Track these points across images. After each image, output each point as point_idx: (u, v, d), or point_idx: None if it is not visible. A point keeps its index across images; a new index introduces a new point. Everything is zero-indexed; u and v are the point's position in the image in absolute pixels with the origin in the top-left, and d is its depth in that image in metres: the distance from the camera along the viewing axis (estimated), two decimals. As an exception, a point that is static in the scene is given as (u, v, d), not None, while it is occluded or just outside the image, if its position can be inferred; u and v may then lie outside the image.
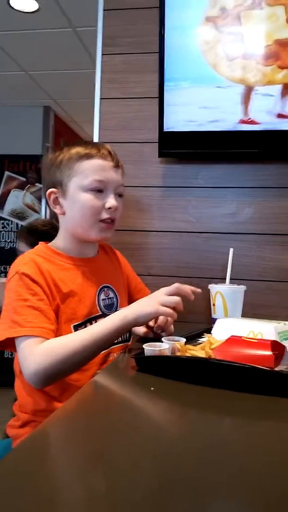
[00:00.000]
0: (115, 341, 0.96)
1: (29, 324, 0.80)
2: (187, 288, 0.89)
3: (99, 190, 0.92)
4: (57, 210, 0.96)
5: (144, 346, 0.74)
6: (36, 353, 0.78)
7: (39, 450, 0.44)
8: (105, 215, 0.93)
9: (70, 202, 0.94)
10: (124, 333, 0.91)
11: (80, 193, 0.92)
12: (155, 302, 0.83)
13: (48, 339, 0.80)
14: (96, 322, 0.88)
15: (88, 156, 0.93)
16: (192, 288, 0.90)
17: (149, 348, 0.73)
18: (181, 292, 0.87)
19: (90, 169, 0.92)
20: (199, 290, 0.92)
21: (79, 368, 0.83)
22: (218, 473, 0.40)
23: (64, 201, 0.95)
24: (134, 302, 0.88)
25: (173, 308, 0.83)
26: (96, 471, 0.40)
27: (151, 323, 0.94)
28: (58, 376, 0.81)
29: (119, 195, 0.97)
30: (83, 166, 0.93)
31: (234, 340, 0.71)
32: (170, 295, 0.85)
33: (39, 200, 3.74)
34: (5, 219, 3.84)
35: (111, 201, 0.93)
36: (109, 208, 0.93)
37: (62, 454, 0.45)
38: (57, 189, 0.95)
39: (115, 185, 0.95)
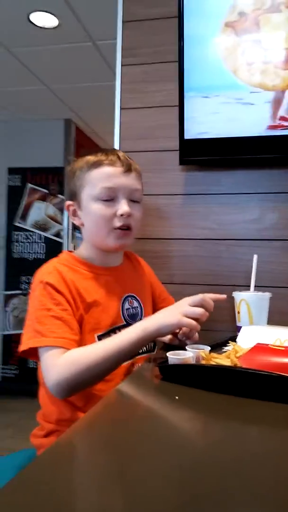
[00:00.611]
0: (140, 351, 0.95)
1: (52, 334, 0.80)
2: (211, 301, 0.85)
3: (109, 198, 0.91)
4: (76, 221, 0.97)
5: (168, 354, 0.73)
6: (58, 364, 0.78)
7: (62, 460, 0.44)
8: (118, 223, 0.92)
9: (85, 213, 0.95)
10: (146, 344, 0.90)
11: (91, 203, 0.92)
12: (177, 312, 0.81)
13: (70, 349, 0.80)
14: (120, 332, 0.88)
15: (96, 165, 0.92)
16: (216, 295, 0.88)
17: (173, 357, 0.72)
18: (205, 304, 0.83)
19: (98, 178, 0.92)
20: (223, 296, 0.89)
21: (101, 379, 0.82)
22: (245, 488, 0.38)
23: (80, 212, 0.96)
24: (157, 312, 0.86)
25: (196, 320, 0.81)
26: (117, 482, 0.39)
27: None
28: (80, 387, 0.80)
29: (135, 201, 0.95)
30: (92, 176, 0.93)
31: (260, 348, 0.69)
32: (194, 305, 0.82)
33: (61, 211, 3.79)
34: (28, 231, 3.90)
35: (123, 208, 0.91)
36: (121, 215, 0.91)
37: (85, 464, 0.44)
38: (74, 201, 0.96)
39: (127, 191, 0.93)
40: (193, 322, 0.80)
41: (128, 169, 0.94)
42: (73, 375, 0.77)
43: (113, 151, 0.97)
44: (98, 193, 0.91)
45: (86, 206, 0.93)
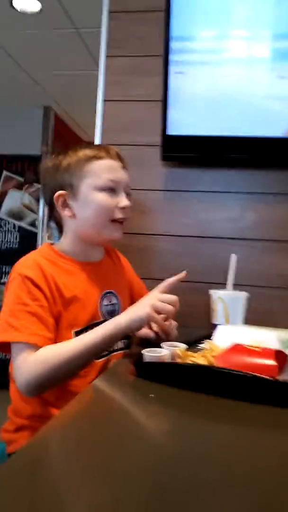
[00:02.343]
0: (115, 348, 0.94)
1: (27, 330, 0.79)
2: (177, 301, 0.85)
3: (112, 189, 0.93)
4: (66, 212, 0.94)
5: (143, 351, 0.73)
6: (29, 362, 0.78)
7: (36, 460, 0.43)
8: (119, 215, 0.93)
9: (82, 203, 0.93)
10: (119, 339, 0.90)
11: (94, 193, 0.92)
12: (147, 305, 0.81)
13: (43, 346, 0.79)
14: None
15: (98, 157, 0.93)
16: (178, 276, 0.89)
17: (149, 354, 0.72)
18: (174, 303, 0.83)
19: (103, 169, 0.93)
20: (183, 273, 0.90)
21: (72, 376, 0.82)
22: (217, 483, 0.39)
23: (74, 203, 0.94)
24: (128, 308, 0.86)
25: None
26: (93, 480, 0.38)
27: (154, 328, 0.92)
28: (51, 385, 0.81)
29: (128, 195, 0.97)
30: (95, 167, 0.92)
31: (237, 348, 0.70)
32: (164, 292, 0.84)
33: (37, 200, 3.72)
34: (2, 219, 3.81)
35: (124, 200, 0.94)
36: (122, 207, 0.93)
37: (59, 464, 0.43)
38: (67, 192, 0.93)
39: (125, 185, 0.96)
40: (162, 322, 0.82)
41: (124, 165, 0.97)
42: (43, 374, 0.77)
43: (109, 147, 0.98)
44: (103, 183, 0.92)
45: (86, 196, 0.92)
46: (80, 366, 0.81)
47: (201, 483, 0.39)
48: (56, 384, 0.81)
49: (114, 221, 0.94)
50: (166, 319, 0.88)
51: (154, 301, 0.82)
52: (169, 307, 0.81)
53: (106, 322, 0.83)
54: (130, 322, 0.81)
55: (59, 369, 0.78)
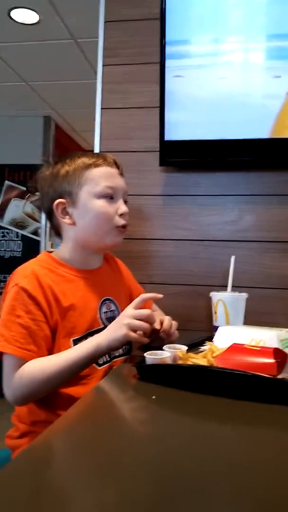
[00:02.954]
0: (117, 354, 0.95)
1: (16, 343, 0.81)
2: (153, 316, 0.84)
3: (110, 196, 0.94)
4: (66, 220, 0.94)
5: (145, 354, 0.74)
6: (14, 376, 0.81)
7: (38, 462, 0.43)
8: (120, 221, 0.95)
9: (82, 210, 0.94)
10: (100, 357, 0.89)
11: (93, 200, 0.93)
12: (123, 326, 0.81)
13: (30, 361, 0.81)
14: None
15: (96, 165, 0.94)
16: (154, 295, 0.88)
17: (151, 357, 0.73)
18: (149, 320, 0.83)
19: (101, 176, 0.94)
20: (159, 296, 0.88)
21: (55, 390, 0.84)
22: (220, 483, 0.39)
23: (74, 210, 0.94)
24: (107, 328, 0.85)
25: (146, 320, 0.82)
26: (95, 482, 0.39)
27: (157, 326, 0.90)
28: (35, 398, 0.84)
29: (125, 202, 0.98)
30: (93, 174, 0.94)
31: (236, 348, 0.71)
32: (137, 308, 0.83)
33: (39, 209, 3.74)
34: (5, 228, 3.84)
35: (123, 207, 0.95)
36: (121, 214, 0.95)
37: (62, 466, 0.44)
38: (66, 200, 0.94)
39: (123, 192, 0.97)
40: (140, 338, 0.83)
41: (121, 172, 0.99)
42: (28, 391, 0.81)
43: (106, 154, 0.99)
44: (101, 190, 0.93)
45: (85, 203, 0.93)
46: (62, 383, 0.83)
47: (205, 484, 0.39)
48: (40, 397, 0.84)
49: (117, 227, 0.95)
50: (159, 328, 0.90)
51: (129, 320, 0.82)
52: (145, 325, 0.82)
53: (87, 343, 0.84)
54: (111, 342, 0.82)
55: (42, 386, 0.81)
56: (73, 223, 0.95)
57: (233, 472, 0.41)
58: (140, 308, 0.84)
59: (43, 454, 0.46)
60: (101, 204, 0.93)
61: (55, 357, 0.84)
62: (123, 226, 0.96)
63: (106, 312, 0.97)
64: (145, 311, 0.83)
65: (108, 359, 0.93)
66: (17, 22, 2.44)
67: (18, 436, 0.90)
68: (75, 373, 0.84)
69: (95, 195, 0.93)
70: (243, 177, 1.35)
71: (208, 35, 1.30)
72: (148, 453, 0.46)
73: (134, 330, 0.82)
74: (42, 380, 0.80)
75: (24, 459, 0.44)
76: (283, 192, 1.32)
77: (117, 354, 0.96)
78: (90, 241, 0.96)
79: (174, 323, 0.95)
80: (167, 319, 0.93)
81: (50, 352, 0.85)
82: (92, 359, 0.84)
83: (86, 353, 0.82)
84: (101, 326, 0.93)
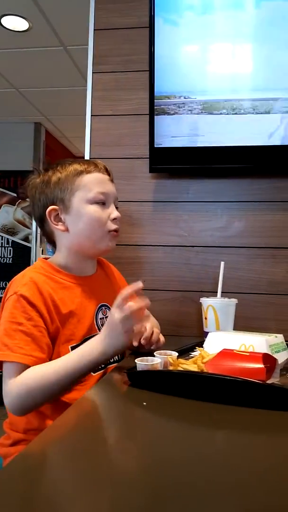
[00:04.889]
0: (111, 361, 0.95)
1: (20, 350, 0.80)
2: (135, 306, 0.80)
3: (102, 202, 0.95)
4: (59, 227, 0.94)
5: (136, 360, 0.74)
6: (15, 383, 0.78)
7: (29, 469, 0.43)
8: (112, 226, 0.96)
9: (75, 216, 0.94)
10: (100, 365, 0.89)
11: (85, 206, 0.94)
12: (120, 334, 0.79)
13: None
14: None
15: (87, 171, 0.95)
16: (133, 286, 0.81)
17: (141, 363, 0.73)
18: (134, 314, 0.79)
19: (93, 183, 0.95)
20: (140, 284, 0.81)
21: (55, 398, 0.83)
22: (211, 487, 0.39)
23: (67, 216, 0.94)
24: (105, 335, 0.81)
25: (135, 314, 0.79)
26: (87, 489, 0.39)
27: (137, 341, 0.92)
28: (34, 406, 0.82)
29: (116, 207, 0.99)
30: (85, 180, 0.94)
31: (226, 354, 0.71)
32: (126, 319, 0.79)
33: (30, 215, 3.74)
34: (-5, 235, 3.82)
35: (115, 212, 0.96)
36: (114, 219, 0.96)
37: (53, 473, 0.44)
38: (58, 206, 0.94)
39: (114, 197, 0.98)
40: (135, 341, 0.87)
41: (111, 177, 1.00)
42: (26, 399, 0.79)
43: (97, 161, 1.00)
44: (94, 196, 0.94)
45: (78, 209, 0.93)
46: (62, 391, 0.82)
47: (198, 489, 0.39)
48: (39, 406, 0.82)
49: (109, 232, 0.96)
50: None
51: (124, 324, 0.79)
52: (139, 326, 0.84)
53: (88, 350, 0.81)
54: (116, 352, 0.82)
55: (41, 394, 0.79)
56: (66, 230, 0.95)
57: (225, 476, 0.42)
58: (123, 305, 0.80)
59: (34, 462, 0.46)
60: (94, 209, 0.94)
61: (54, 365, 0.82)
62: (116, 231, 0.97)
63: (102, 318, 0.97)
64: (133, 306, 0.78)
65: (103, 365, 0.93)
66: (7, 29, 2.45)
67: (10, 444, 0.90)
68: (75, 380, 0.83)
69: (88, 201, 0.93)
70: (232, 184, 1.36)
71: (196, 43, 1.32)
72: (139, 460, 0.46)
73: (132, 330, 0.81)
74: (41, 389, 0.78)
75: (15, 467, 0.44)
76: (272, 198, 1.34)
77: (111, 360, 0.96)
78: (84, 246, 0.97)
79: (156, 331, 0.95)
80: (148, 327, 0.94)
81: (50, 359, 0.85)
82: (96, 366, 0.83)
83: (90, 361, 0.80)
84: (98, 333, 0.93)
